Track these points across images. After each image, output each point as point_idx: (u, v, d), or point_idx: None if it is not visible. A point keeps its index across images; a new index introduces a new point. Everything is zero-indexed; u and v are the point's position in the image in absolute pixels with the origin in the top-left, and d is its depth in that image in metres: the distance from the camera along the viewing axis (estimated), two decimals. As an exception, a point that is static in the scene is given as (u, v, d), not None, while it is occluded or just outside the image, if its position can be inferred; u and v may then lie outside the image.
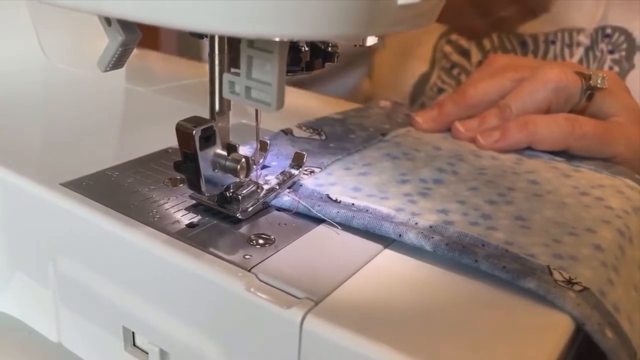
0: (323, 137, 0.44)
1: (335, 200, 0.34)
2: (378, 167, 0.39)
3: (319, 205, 0.34)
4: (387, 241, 0.32)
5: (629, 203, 0.37)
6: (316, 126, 0.46)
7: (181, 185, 0.37)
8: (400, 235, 0.31)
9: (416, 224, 0.32)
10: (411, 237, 0.31)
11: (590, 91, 0.44)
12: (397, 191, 0.36)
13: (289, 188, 0.36)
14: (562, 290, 0.28)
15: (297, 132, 0.45)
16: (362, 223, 0.32)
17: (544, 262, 0.29)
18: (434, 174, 0.38)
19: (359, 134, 0.45)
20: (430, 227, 0.32)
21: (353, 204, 0.34)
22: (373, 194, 0.35)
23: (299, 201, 0.34)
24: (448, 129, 0.48)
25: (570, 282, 0.28)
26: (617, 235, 0.33)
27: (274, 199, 0.35)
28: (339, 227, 0.33)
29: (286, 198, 0.35)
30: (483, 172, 0.39)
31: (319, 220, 0.34)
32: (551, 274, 0.29)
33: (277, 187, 0.35)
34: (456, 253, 0.30)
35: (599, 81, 0.43)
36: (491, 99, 0.47)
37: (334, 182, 0.37)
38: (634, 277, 0.33)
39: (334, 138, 0.44)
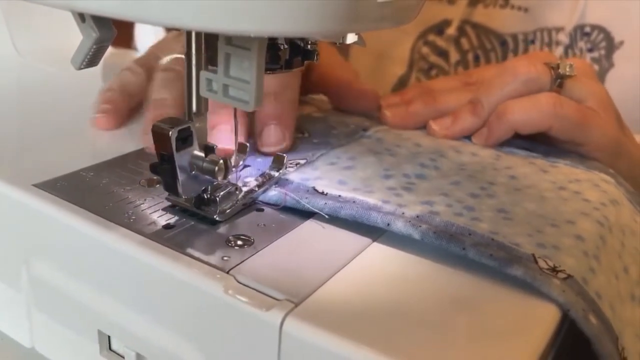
0: (306, 135, 0.44)
1: (322, 193, 0.35)
2: (362, 161, 0.39)
3: (306, 198, 0.34)
4: (374, 234, 0.32)
5: (606, 196, 0.38)
6: (297, 124, 0.46)
7: (157, 185, 0.36)
8: (388, 225, 0.32)
9: (403, 213, 0.33)
10: (399, 225, 0.32)
11: (560, 79, 0.44)
12: (382, 185, 0.36)
13: (275, 184, 0.36)
14: (547, 277, 0.28)
15: None
16: (350, 213, 0.33)
17: (529, 250, 0.30)
18: (417, 170, 0.39)
19: (341, 129, 0.45)
20: (417, 216, 0.32)
21: (340, 196, 0.34)
22: (358, 188, 0.36)
23: (286, 194, 0.34)
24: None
25: (554, 270, 0.29)
26: (597, 226, 0.34)
27: (261, 194, 0.35)
28: (327, 217, 0.33)
29: (273, 192, 0.35)
30: (464, 168, 0.40)
31: (300, 220, 0.33)
32: (536, 262, 0.29)
33: (256, 188, 0.35)
34: (444, 241, 0.30)
35: (567, 69, 0.44)
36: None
37: (320, 176, 0.37)
38: (614, 265, 0.34)
39: (316, 134, 0.44)
